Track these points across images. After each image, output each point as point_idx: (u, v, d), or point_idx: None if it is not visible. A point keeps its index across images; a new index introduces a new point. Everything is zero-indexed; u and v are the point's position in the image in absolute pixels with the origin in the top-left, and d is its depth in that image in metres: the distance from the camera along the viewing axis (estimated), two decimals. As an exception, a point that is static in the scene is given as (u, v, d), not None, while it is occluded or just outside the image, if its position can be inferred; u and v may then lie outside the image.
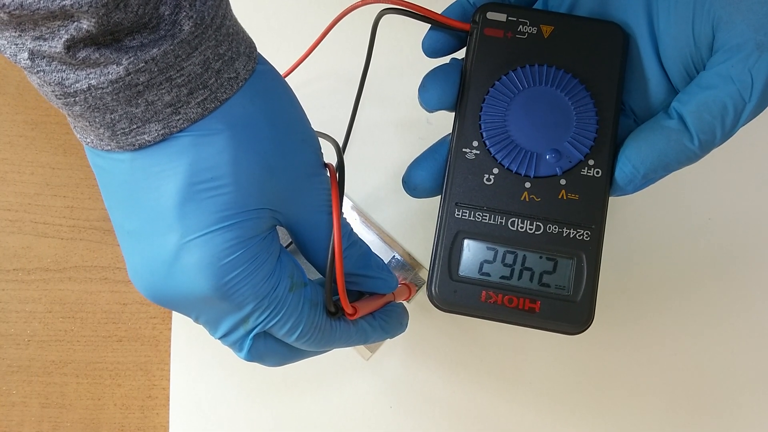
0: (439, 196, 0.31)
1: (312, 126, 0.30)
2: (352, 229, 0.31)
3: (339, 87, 0.46)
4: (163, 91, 0.24)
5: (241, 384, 0.44)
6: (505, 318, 0.30)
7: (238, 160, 0.26)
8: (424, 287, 0.42)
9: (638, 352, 0.43)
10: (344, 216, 0.31)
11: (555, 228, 0.30)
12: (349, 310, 0.30)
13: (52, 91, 0.24)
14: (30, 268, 0.46)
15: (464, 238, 0.30)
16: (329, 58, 0.45)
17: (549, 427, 0.43)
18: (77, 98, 0.24)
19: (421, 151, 0.32)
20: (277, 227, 0.29)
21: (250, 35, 0.29)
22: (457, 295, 0.30)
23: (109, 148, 0.26)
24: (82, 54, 0.23)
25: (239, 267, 0.26)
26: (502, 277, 0.30)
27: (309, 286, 0.29)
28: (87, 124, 0.25)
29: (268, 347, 0.29)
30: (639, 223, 0.44)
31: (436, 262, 0.30)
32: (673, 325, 0.43)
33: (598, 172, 0.29)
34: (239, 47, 0.26)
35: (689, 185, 0.44)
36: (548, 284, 0.29)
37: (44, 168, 0.47)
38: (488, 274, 0.30)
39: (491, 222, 0.30)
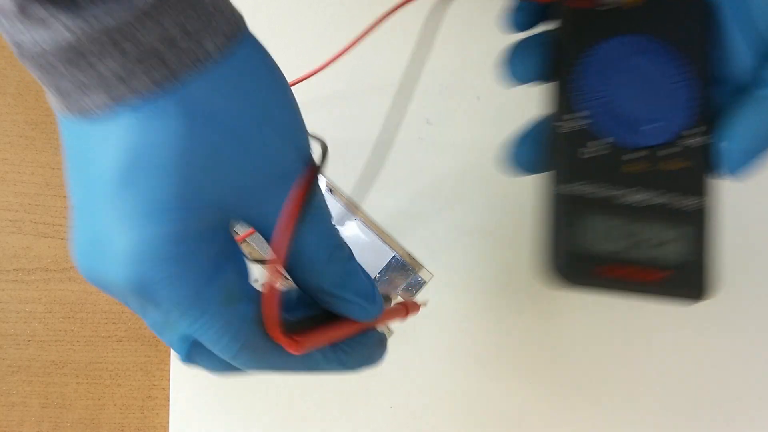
0: (541, 173, 0.30)
1: (303, 123, 0.27)
2: (340, 239, 0.28)
3: (341, 87, 0.45)
4: (116, 63, 0.23)
5: (241, 384, 0.44)
6: (625, 289, 0.29)
7: (188, 149, 0.23)
8: (423, 307, 0.37)
9: (639, 352, 0.43)
10: (333, 220, 0.28)
11: (665, 198, 0.29)
12: (283, 344, 0.25)
13: (14, 52, 0.23)
14: (30, 268, 0.46)
15: (575, 213, 0.29)
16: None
17: (549, 427, 0.43)
18: (32, 61, 0.23)
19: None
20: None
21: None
22: (575, 271, 0.29)
23: (63, 113, 0.24)
24: (34, 12, 0.22)
25: (161, 266, 0.23)
26: (617, 250, 0.29)
27: (251, 302, 0.26)
28: (45, 87, 0.24)
29: (205, 357, 0.27)
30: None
31: (554, 238, 0.29)
32: (672, 325, 0.43)
33: (700, 141, 0.29)
34: (216, 24, 0.24)
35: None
36: (665, 254, 0.29)
37: (44, 168, 0.47)
38: (603, 247, 0.29)
39: (599, 195, 0.29)
